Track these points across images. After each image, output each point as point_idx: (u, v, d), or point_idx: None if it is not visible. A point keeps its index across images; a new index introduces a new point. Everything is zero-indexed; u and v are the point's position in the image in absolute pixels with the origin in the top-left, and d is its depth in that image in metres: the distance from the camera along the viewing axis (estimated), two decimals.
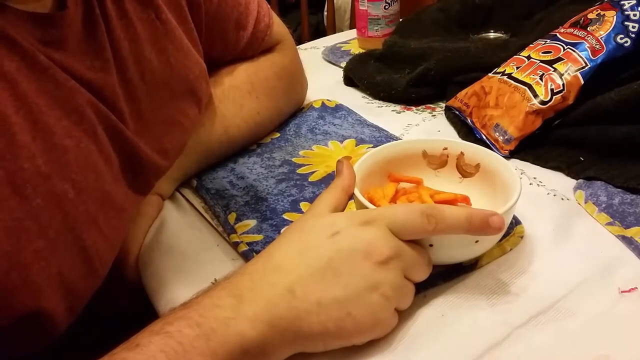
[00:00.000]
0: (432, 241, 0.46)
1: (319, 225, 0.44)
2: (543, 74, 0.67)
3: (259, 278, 0.41)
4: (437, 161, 0.58)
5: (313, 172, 0.66)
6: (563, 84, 0.65)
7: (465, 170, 0.57)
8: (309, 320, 0.40)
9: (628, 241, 0.51)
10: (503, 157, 0.55)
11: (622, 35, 0.65)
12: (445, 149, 0.57)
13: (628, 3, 0.66)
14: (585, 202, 0.57)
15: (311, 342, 0.41)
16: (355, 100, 0.86)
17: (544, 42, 0.71)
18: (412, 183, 0.57)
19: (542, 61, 0.68)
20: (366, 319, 0.41)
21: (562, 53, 0.67)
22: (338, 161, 0.51)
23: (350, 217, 0.44)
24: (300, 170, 0.67)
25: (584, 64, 0.65)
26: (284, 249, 0.43)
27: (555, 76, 0.66)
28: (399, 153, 0.57)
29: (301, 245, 0.43)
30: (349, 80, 0.92)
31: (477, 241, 0.46)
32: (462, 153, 0.57)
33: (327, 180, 0.64)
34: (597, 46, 0.65)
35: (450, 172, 0.58)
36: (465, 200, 0.55)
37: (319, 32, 2.18)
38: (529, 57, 0.70)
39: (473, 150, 0.57)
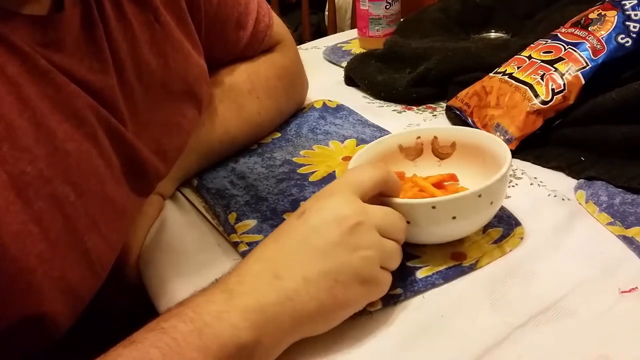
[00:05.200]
0: (454, 213, 0.47)
1: (290, 215, 0.46)
2: (544, 73, 0.67)
3: (244, 272, 0.42)
4: (414, 152, 0.59)
5: (314, 172, 0.66)
6: (564, 84, 0.65)
7: (441, 152, 0.58)
8: (300, 299, 0.40)
9: (629, 241, 0.51)
10: None
11: (623, 35, 0.65)
12: (419, 137, 0.59)
13: (629, 3, 0.66)
14: (586, 202, 0.57)
15: (311, 323, 0.41)
16: (356, 100, 0.86)
17: (544, 42, 0.71)
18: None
19: (543, 61, 0.68)
20: (354, 282, 0.42)
21: (563, 53, 0.67)
22: None
23: (315, 196, 0.47)
24: (300, 170, 0.67)
25: (585, 64, 0.65)
26: (262, 243, 0.45)
27: (556, 76, 0.66)
28: (378, 153, 0.57)
29: (275, 234, 0.45)
30: (349, 80, 0.92)
31: (492, 202, 0.48)
32: (435, 137, 0.58)
33: (328, 180, 0.64)
34: (598, 46, 0.65)
35: (428, 158, 0.59)
36: (452, 178, 0.56)
37: (319, 31, 2.18)
38: (529, 57, 0.70)
39: (445, 132, 0.58)
